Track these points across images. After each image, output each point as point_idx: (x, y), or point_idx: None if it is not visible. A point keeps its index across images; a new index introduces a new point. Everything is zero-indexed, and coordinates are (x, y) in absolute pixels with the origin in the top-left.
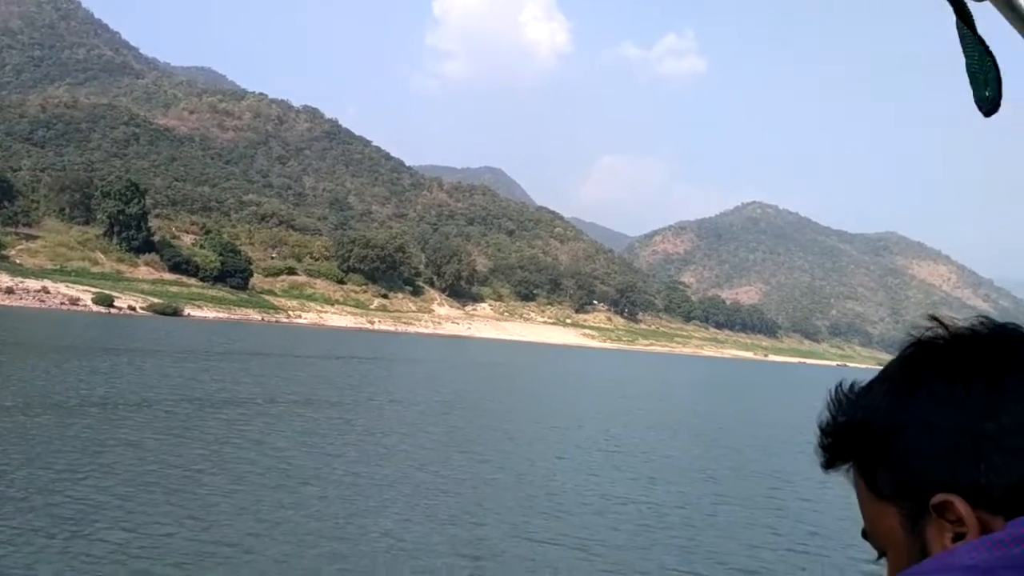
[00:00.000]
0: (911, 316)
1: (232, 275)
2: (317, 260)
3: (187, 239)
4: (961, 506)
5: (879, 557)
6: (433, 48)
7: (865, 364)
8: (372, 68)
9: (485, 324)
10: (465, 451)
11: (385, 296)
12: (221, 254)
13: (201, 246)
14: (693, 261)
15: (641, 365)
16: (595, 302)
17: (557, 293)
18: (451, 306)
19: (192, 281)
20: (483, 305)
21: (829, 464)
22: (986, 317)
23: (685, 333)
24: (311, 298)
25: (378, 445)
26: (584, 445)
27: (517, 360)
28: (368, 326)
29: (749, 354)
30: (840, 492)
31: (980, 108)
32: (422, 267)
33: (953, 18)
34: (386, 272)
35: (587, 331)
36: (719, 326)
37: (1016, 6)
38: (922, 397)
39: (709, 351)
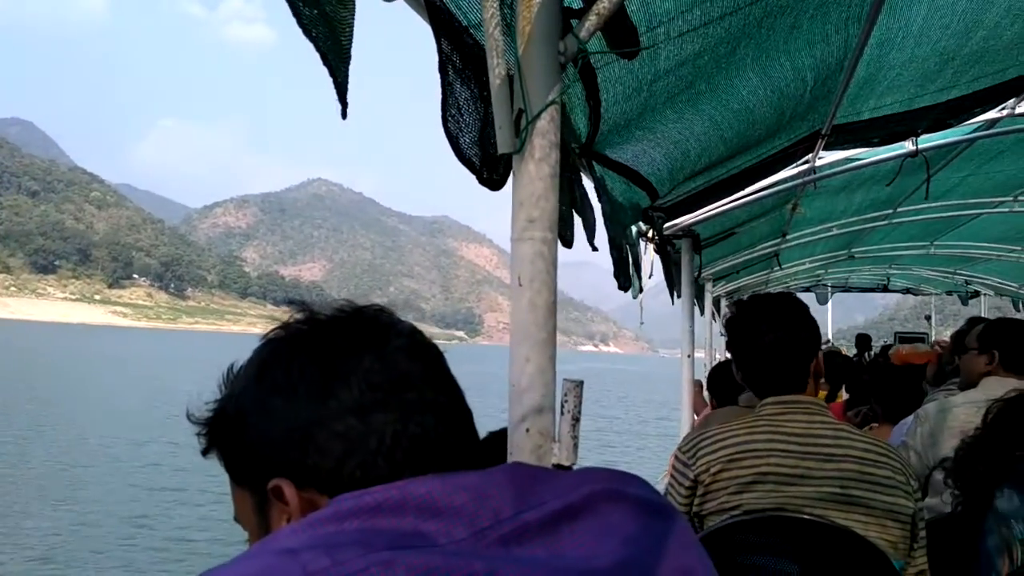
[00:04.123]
0: (459, 293)
1: None
2: None
3: None
4: (287, 489)
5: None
6: None
7: None
8: None
9: None
10: None
11: None
12: None
13: None
14: (256, 236)
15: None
16: (135, 276)
17: (86, 265)
18: None
19: None
20: None
21: (205, 451)
22: (350, 302)
23: (239, 310)
24: None
25: None
26: None
27: None
28: None
29: None
30: None
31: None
32: None
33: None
34: None
35: (119, 309)
36: (277, 303)
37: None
38: (266, 382)
39: (262, 328)
